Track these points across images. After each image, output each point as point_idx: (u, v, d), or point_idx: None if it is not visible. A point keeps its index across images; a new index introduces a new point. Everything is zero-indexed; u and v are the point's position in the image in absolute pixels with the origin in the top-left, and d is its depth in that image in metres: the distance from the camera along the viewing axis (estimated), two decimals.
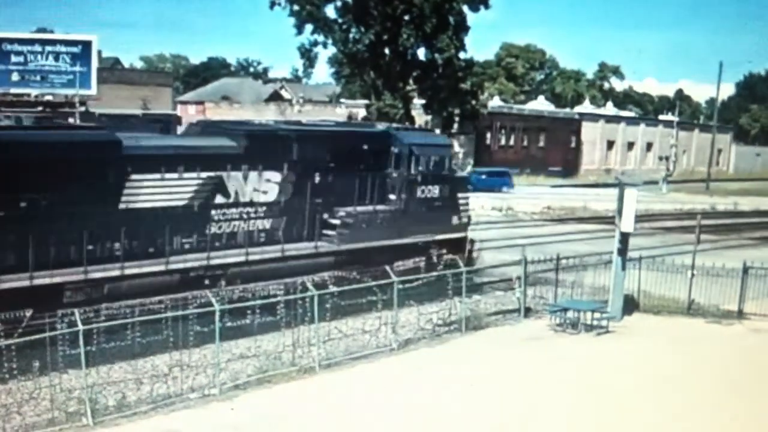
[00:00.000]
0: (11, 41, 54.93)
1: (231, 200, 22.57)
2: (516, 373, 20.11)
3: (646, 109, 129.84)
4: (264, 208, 23.30)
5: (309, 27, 48.80)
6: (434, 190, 27.07)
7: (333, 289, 21.26)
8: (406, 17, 46.62)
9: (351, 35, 48.03)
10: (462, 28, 48.25)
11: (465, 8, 48.16)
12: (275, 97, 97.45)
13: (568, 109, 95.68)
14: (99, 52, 63.93)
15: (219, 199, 22.29)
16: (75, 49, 55.71)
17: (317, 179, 24.41)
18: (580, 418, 17.30)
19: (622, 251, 25.77)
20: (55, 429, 15.75)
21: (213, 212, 22.23)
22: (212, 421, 16.50)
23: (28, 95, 53.68)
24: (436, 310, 24.27)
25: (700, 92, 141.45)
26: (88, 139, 21.33)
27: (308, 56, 50.84)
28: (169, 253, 20.98)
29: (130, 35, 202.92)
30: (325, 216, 24.45)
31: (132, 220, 20.43)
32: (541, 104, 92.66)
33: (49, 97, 54.16)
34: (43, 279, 18.61)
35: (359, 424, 16.65)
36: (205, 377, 18.56)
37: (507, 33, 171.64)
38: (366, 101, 51.25)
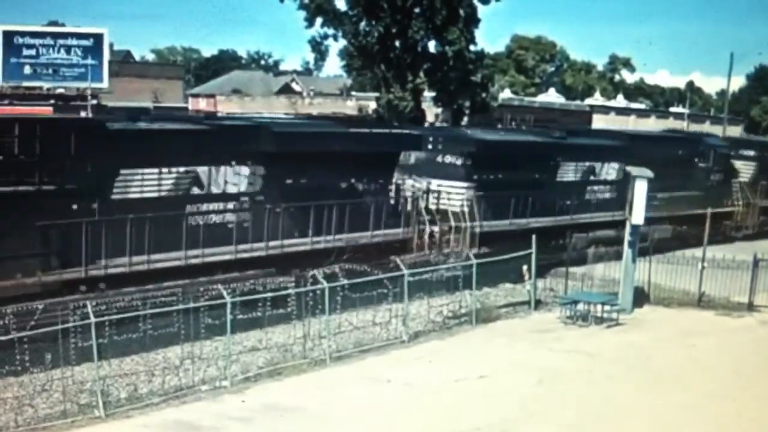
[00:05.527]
0: (23, 34, 54.86)
1: None
2: (525, 366, 20.13)
3: (657, 101, 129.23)
4: None
5: (319, 19, 48.62)
6: None
7: (344, 281, 21.29)
8: (416, 9, 46.46)
9: (361, 28, 47.86)
10: (472, 20, 47.97)
11: (475, 0, 47.95)
12: (286, 90, 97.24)
13: (578, 102, 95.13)
14: (110, 45, 63.91)
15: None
16: (86, 42, 55.64)
17: None
18: (587, 410, 17.33)
19: (633, 243, 25.77)
20: (68, 421, 15.86)
21: None
22: (223, 413, 16.57)
23: (40, 88, 53.74)
24: (446, 303, 24.30)
25: (712, 84, 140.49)
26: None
27: (319, 49, 50.73)
28: None
29: (141, 27, 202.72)
30: None
31: None
32: (551, 96, 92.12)
33: (61, 90, 54.24)
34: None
35: (370, 417, 16.70)
36: (216, 369, 18.65)
37: (517, 25, 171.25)
38: (376, 94, 51.07)
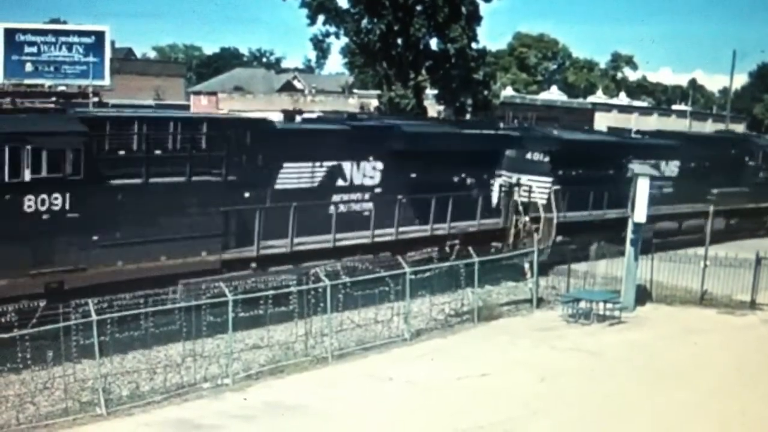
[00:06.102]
0: (24, 32, 54.90)
1: None
2: (528, 364, 20.12)
3: (659, 99, 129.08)
4: None
5: (321, 17, 48.49)
6: None
7: (345, 279, 21.33)
8: (418, 7, 46.32)
9: (363, 25, 47.73)
10: (474, 17, 47.76)
11: None
12: (288, 88, 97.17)
13: (581, 99, 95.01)
14: (112, 43, 63.91)
15: None
16: (88, 40, 55.67)
17: None
18: (589, 408, 17.32)
19: (635, 241, 25.71)
20: (69, 419, 15.87)
21: None
22: (225, 411, 16.57)
23: (42, 86, 53.76)
24: (448, 301, 24.29)
25: (714, 82, 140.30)
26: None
27: (320, 47, 50.59)
28: None
29: (143, 25, 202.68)
30: None
31: None
32: (553, 94, 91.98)
33: (62, 88, 54.24)
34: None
35: (372, 415, 16.70)
36: (217, 367, 18.65)
37: (520, 23, 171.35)
38: (378, 91, 50.96)
